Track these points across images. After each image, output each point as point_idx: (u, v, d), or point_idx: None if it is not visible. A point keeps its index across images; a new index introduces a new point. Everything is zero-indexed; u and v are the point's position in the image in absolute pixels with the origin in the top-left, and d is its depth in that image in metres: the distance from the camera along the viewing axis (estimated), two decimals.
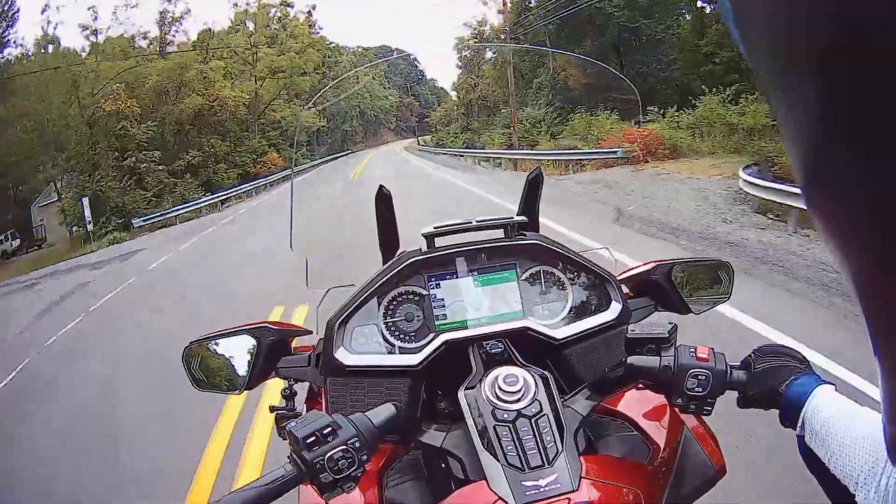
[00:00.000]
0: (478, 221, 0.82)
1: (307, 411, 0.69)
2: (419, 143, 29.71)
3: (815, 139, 0.15)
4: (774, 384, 0.58)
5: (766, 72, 0.16)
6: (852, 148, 0.14)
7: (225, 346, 0.78)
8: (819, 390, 0.55)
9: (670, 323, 0.63)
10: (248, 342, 0.77)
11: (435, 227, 0.81)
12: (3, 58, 17.05)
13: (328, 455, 0.53)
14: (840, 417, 0.52)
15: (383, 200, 0.84)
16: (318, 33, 30.05)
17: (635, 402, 0.73)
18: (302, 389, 0.85)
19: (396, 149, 28.33)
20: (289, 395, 0.82)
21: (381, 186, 0.83)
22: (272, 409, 0.81)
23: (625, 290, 0.85)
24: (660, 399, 0.68)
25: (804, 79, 0.14)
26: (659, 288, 0.84)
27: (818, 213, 0.17)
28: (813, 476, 0.53)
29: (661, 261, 0.87)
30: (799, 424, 0.54)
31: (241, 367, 0.77)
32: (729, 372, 0.59)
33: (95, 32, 19.38)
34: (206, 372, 0.79)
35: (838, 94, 0.14)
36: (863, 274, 0.17)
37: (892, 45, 0.12)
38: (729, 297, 0.87)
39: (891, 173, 0.14)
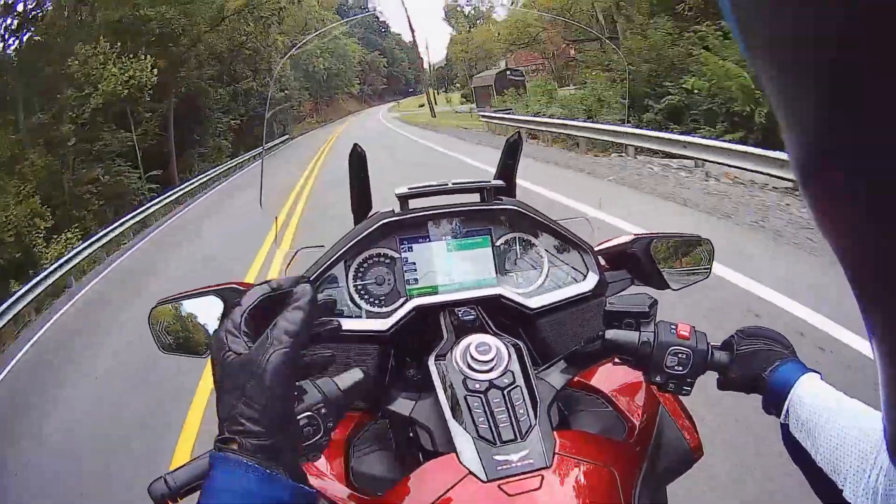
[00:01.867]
0: (454, 184, 0.80)
1: None
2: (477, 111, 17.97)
3: (816, 129, 0.15)
4: (758, 369, 0.58)
5: (766, 64, 0.16)
6: (852, 136, 0.15)
7: (192, 307, 0.74)
8: (805, 378, 0.55)
9: (650, 297, 0.62)
10: (216, 303, 0.73)
11: (409, 188, 0.79)
12: None
13: None
14: (827, 408, 0.52)
15: (358, 160, 0.81)
16: None
17: (610, 378, 0.73)
18: None
19: (388, 125, 21.86)
20: None
21: (355, 145, 0.80)
22: None
23: (602, 262, 0.85)
24: (635, 375, 0.68)
25: (807, 69, 0.15)
26: (637, 261, 0.84)
27: (817, 206, 0.17)
28: (797, 466, 0.53)
29: (640, 234, 0.87)
30: (783, 412, 0.54)
31: (208, 330, 0.74)
32: (710, 352, 0.59)
33: None
34: (172, 334, 0.75)
35: (841, 83, 0.14)
36: (862, 269, 0.17)
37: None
38: (708, 275, 0.88)
39: (893, 162, 0.14)
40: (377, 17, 61.22)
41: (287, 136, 24.41)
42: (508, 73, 21.55)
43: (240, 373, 0.38)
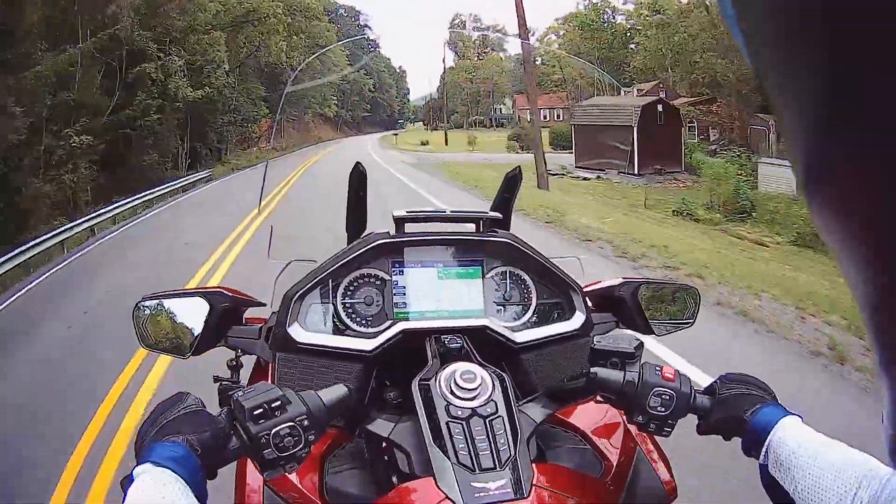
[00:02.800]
0: (451, 212, 0.93)
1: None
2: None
3: (817, 133, 0.17)
4: (739, 412, 0.67)
5: (767, 64, 0.18)
6: (856, 137, 0.16)
7: (177, 307, 0.85)
8: (786, 420, 0.64)
9: (637, 339, 0.72)
10: (201, 306, 0.84)
11: (407, 212, 0.91)
12: None
13: (274, 430, 0.58)
14: (807, 449, 0.60)
15: (358, 178, 0.93)
16: None
17: (588, 417, 0.85)
18: (248, 363, 0.91)
19: (400, 176, 14.05)
20: (234, 367, 0.88)
21: (357, 164, 0.92)
22: (216, 378, 0.87)
23: (588, 303, 0.96)
24: (613, 415, 0.81)
25: (808, 70, 0.16)
26: (623, 305, 0.97)
27: (819, 208, 0.19)
28: None
29: (628, 278, 1.01)
30: (763, 453, 0.63)
31: (191, 332, 0.84)
32: (693, 395, 0.68)
33: None
34: (155, 330, 0.85)
35: (843, 81, 0.15)
36: (866, 274, 0.19)
37: None
38: (692, 323, 1.01)
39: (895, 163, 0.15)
40: (367, 28, 62.26)
41: (207, 174, 17.26)
42: (660, 108, 16.51)
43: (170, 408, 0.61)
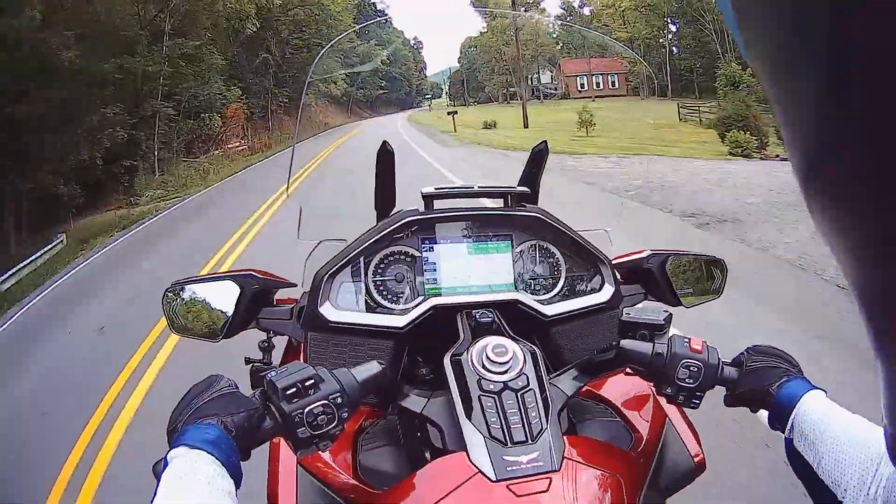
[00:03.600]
0: (479, 187, 1.05)
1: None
2: None
3: (816, 130, 0.19)
4: (765, 385, 0.76)
5: (765, 63, 0.20)
6: (853, 136, 0.18)
7: (207, 291, 0.98)
8: (810, 395, 0.72)
9: (665, 311, 0.82)
10: (232, 289, 0.97)
11: (436, 188, 1.03)
12: None
13: (308, 409, 0.65)
14: (831, 423, 0.67)
15: (385, 157, 1.04)
16: None
17: (619, 389, 0.96)
18: (279, 344, 1.04)
19: None
20: (266, 348, 1.02)
21: (384, 142, 1.03)
22: (247, 360, 1.00)
23: (617, 275, 1.07)
24: (643, 388, 0.92)
25: (806, 67, 0.18)
26: (651, 277, 1.09)
27: (817, 206, 0.21)
28: (799, 479, 0.70)
29: (656, 250, 1.12)
30: (788, 427, 0.71)
31: (222, 315, 0.96)
32: (721, 367, 0.78)
33: None
34: (185, 315, 0.98)
35: (841, 82, 0.17)
36: (862, 269, 0.21)
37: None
38: (720, 294, 1.13)
39: (893, 162, 0.17)
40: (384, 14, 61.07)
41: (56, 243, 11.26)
42: None
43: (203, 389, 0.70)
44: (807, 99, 0.19)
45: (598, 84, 46.76)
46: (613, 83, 47.31)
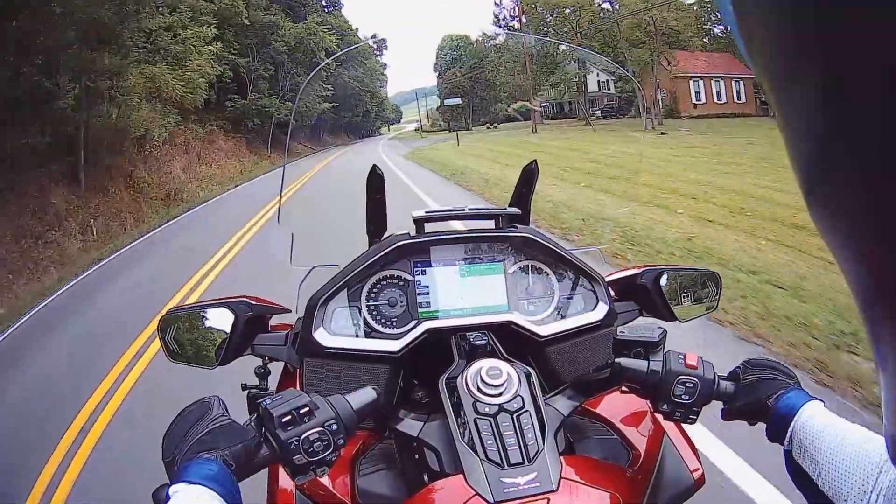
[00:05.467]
0: (470, 209, 1.24)
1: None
2: None
3: (816, 135, 0.24)
4: (762, 397, 0.90)
5: (767, 68, 0.26)
6: (856, 142, 0.23)
7: (202, 318, 1.18)
8: (808, 406, 0.85)
9: (660, 328, 0.98)
10: (226, 316, 1.17)
11: (426, 212, 1.22)
12: None
13: (303, 436, 0.81)
14: (830, 434, 0.79)
15: (375, 181, 1.23)
16: None
17: (615, 406, 1.15)
18: (275, 369, 1.23)
19: None
20: (262, 374, 1.21)
21: (374, 167, 1.22)
22: (244, 387, 1.19)
23: (611, 292, 1.26)
24: (640, 404, 1.09)
25: (806, 72, 0.23)
26: (645, 293, 1.30)
27: (819, 211, 0.27)
28: (800, 491, 0.83)
29: (650, 266, 1.32)
30: (787, 439, 0.84)
31: (217, 342, 1.16)
32: (717, 381, 0.94)
33: None
34: (181, 343, 1.17)
35: (844, 84, 0.22)
36: (863, 272, 0.27)
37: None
38: (716, 308, 1.35)
39: (894, 161, 0.21)
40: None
41: None
42: None
43: (194, 414, 0.85)
44: (807, 104, 0.24)
45: (718, 94, 37.29)
46: (738, 94, 37.57)
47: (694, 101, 36.05)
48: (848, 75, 0.22)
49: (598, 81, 41.69)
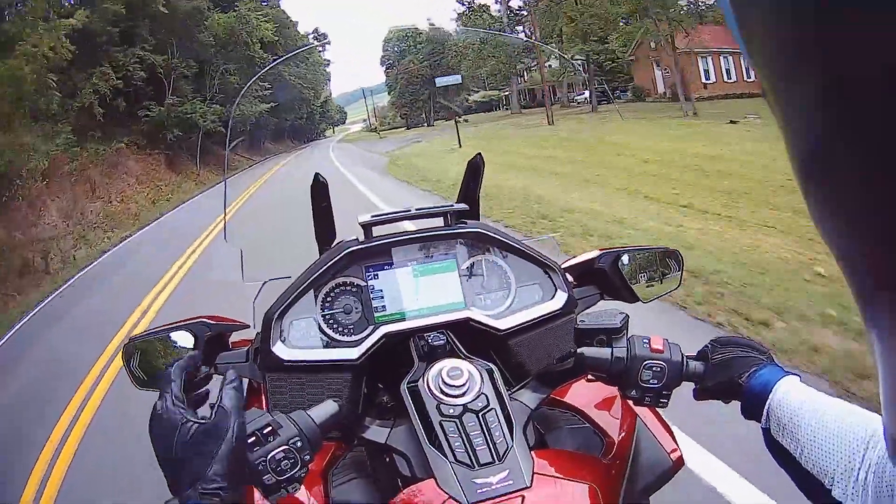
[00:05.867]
0: (416, 210, 1.36)
1: (247, 408, 1.09)
2: None
3: (814, 131, 0.28)
4: (734, 375, 0.99)
5: (766, 65, 0.29)
6: (852, 138, 0.26)
7: (164, 342, 1.31)
8: (784, 381, 0.93)
9: (621, 313, 1.10)
10: (186, 338, 1.30)
11: (372, 216, 1.34)
12: None
13: (269, 455, 0.90)
14: (809, 409, 0.87)
15: (319, 189, 1.35)
16: None
17: (585, 394, 1.27)
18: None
19: None
20: None
21: (316, 175, 1.34)
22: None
23: (570, 278, 1.39)
24: (610, 390, 1.20)
25: (805, 70, 0.26)
26: (605, 276, 1.45)
27: (818, 208, 0.30)
28: (782, 468, 0.90)
29: (606, 249, 1.46)
30: (764, 417, 0.92)
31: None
32: (685, 363, 1.04)
33: None
34: (146, 369, 1.30)
35: (844, 84, 0.25)
36: (858, 263, 0.30)
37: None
38: (679, 286, 1.50)
39: (893, 161, 0.24)
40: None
41: None
42: None
43: (206, 439, 0.86)
44: (807, 103, 0.27)
45: (727, 72, 36.19)
46: (748, 71, 31.33)
47: (703, 80, 34.66)
48: (848, 75, 0.24)
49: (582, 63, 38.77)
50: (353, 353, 1.29)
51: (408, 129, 48.01)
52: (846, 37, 0.24)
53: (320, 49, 62.73)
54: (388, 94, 63.37)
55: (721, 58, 35.02)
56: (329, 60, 67.07)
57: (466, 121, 45.19)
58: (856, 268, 0.31)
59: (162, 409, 0.92)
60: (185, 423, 0.89)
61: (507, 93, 53.36)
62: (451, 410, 1.05)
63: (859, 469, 0.78)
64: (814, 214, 0.31)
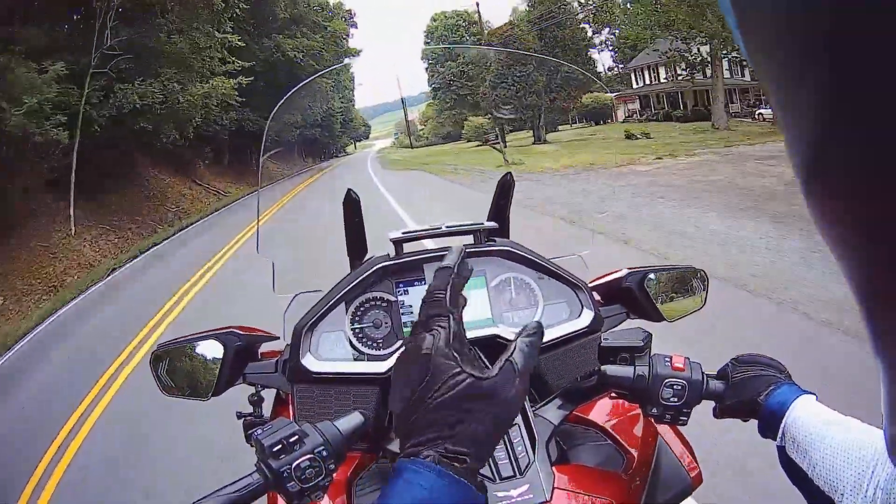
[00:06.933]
0: (447, 227, 1.40)
1: (274, 418, 1.15)
2: None
3: (816, 135, 0.27)
4: (753, 394, 1.00)
5: (767, 66, 0.29)
6: (854, 140, 0.26)
7: (192, 351, 1.35)
8: (800, 400, 0.94)
9: (644, 331, 1.11)
10: (216, 347, 1.34)
11: (403, 233, 1.38)
12: None
13: (295, 463, 0.92)
14: (823, 428, 0.88)
15: (351, 205, 1.40)
16: None
17: (608, 411, 1.29)
18: (269, 395, 1.38)
19: None
20: (256, 401, 1.37)
21: (349, 191, 1.38)
22: (239, 415, 1.35)
23: (596, 297, 1.41)
24: (633, 407, 1.22)
25: (808, 72, 0.26)
26: (631, 295, 1.47)
27: (817, 205, 0.30)
28: (795, 486, 0.93)
29: (633, 268, 1.48)
30: (779, 435, 0.93)
31: (209, 373, 1.33)
32: (705, 382, 1.05)
33: None
34: (174, 377, 1.34)
35: (843, 78, 0.25)
36: (862, 269, 0.30)
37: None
38: (703, 305, 1.51)
39: (893, 167, 0.24)
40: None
41: None
42: None
43: (481, 399, 0.72)
44: (807, 104, 0.27)
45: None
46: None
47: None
48: (848, 75, 0.24)
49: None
50: (381, 367, 1.32)
51: (467, 142, 32.12)
52: (847, 37, 0.24)
53: (353, 56, 55.33)
54: (434, 99, 48.04)
55: None
56: (355, 21, 57.97)
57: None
58: (858, 270, 0.31)
59: (430, 347, 0.77)
60: (458, 374, 0.75)
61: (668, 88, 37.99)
62: None
63: (868, 485, 0.80)
64: (814, 215, 0.31)
